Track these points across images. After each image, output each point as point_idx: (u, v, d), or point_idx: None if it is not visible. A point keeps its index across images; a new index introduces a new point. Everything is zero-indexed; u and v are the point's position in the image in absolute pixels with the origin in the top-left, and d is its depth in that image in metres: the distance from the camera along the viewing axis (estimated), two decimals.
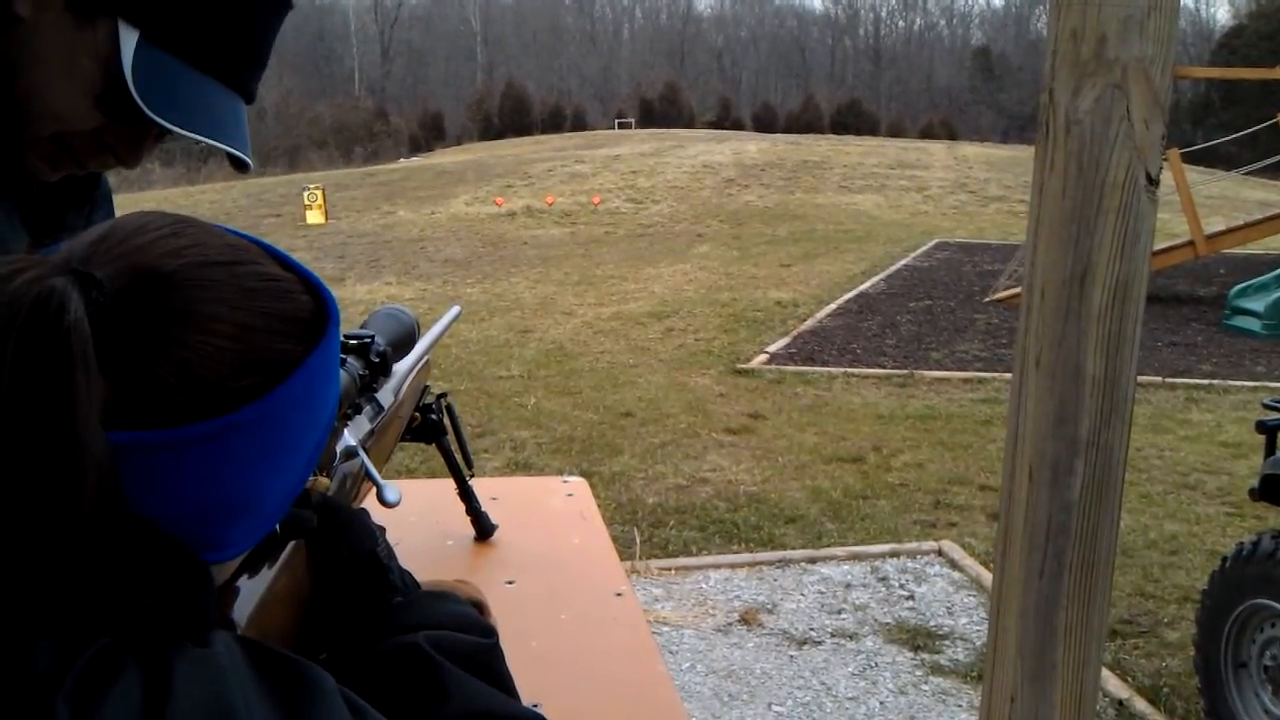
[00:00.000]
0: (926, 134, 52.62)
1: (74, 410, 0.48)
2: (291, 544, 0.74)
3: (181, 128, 0.85)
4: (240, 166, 0.92)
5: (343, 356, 1.00)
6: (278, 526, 0.68)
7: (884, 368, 7.72)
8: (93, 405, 0.49)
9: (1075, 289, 0.98)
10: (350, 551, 0.77)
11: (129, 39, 0.81)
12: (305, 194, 18.65)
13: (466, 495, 1.49)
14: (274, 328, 0.58)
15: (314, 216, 18.06)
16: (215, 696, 0.49)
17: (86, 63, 0.82)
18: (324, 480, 0.86)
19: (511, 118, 64.83)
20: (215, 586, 0.58)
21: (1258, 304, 8.88)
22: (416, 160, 38.24)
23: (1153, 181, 0.98)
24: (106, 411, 0.51)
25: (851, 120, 62.24)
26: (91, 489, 0.49)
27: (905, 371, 7.57)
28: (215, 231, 0.59)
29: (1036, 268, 1.01)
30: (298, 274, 0.62)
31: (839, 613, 3.78)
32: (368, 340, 1.05)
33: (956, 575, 4.09)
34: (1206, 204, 12.72)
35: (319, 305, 0.62)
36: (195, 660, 0.50)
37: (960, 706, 3.16)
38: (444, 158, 37.69)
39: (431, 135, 62.01)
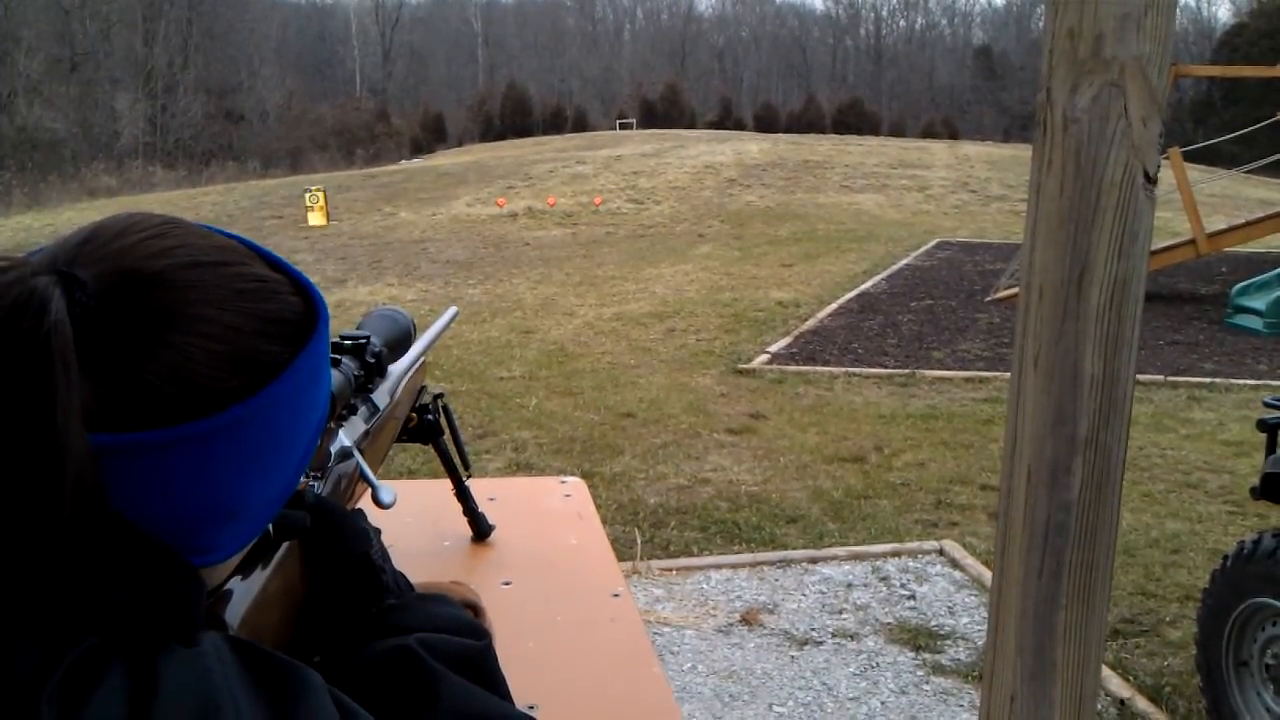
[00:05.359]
0: (928, 133, 52.55)
1: (53, 412, 0.48)
2: (285, 545, 0.74)
3: None
4: None
5: (338, 357, 0.99)
6: (271, 528, 0.68)
7: (885, 367, 7.71)
8: (73, 407, 0.48)
9: (1073, 288, 0.98)
10: (343, 553, 0.77)
11: None
12: (307, 196, 18.64)
13: (463, 496, 1.49)
14: (262, 329, 0.57)
15: (315, 218, 18.07)
16: (202, 695, 0.49)
17: None
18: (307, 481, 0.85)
19: (513, 119, 64.79)
20: (205, 589, 0.58)
21: (1259, 302, 8.87)
22: (417, 162, 38.22)
23: (1150, 180, 0.97)
24: (92, 413, 0.50)
25: (853, 120, 62.15)
26: (71, 491, 0.48)
27: (907, 371, 7.56)
28: (202, 232, 0.59)
29: (1034, 267, 1.01)
30: (286, 274, 0.61)
31: (840, 613, 3.78)
32: (363, 341, 1.04)
33: (958, 575, 4.08)
34: (1208, 202, 12.71)
35: (308, 306, 0.61)
36: (182, 660, 0.50)
37: (961, 706, 3.15)
38: (445, 159, 37.68)
39: (433, 137, 61.99)
